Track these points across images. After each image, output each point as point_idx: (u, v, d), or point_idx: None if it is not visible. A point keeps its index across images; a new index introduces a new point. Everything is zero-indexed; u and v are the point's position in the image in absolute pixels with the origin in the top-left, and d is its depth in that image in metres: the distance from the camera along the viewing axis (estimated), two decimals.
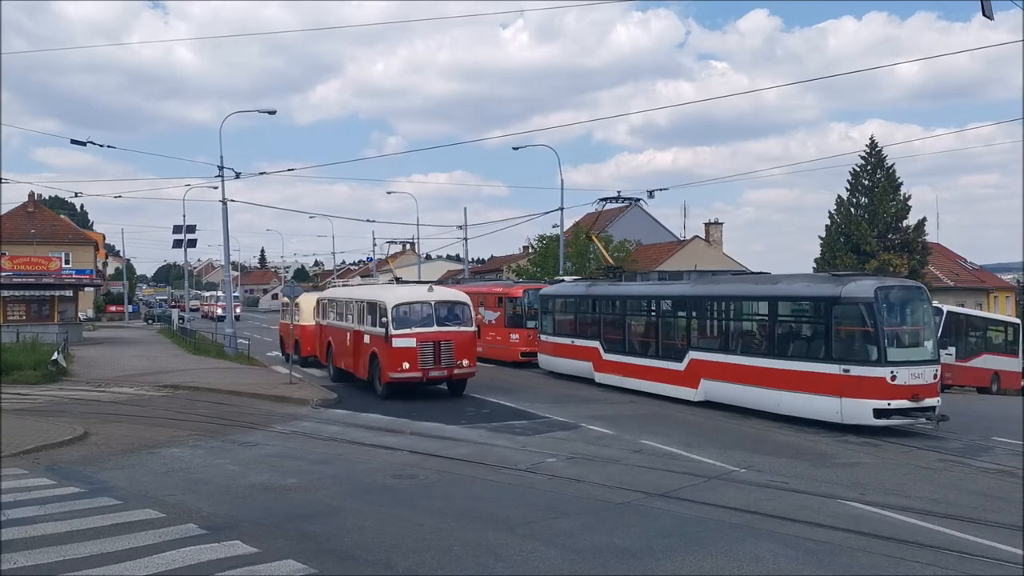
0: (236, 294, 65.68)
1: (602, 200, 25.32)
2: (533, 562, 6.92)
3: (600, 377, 20.93)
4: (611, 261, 28.61)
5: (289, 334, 23.99)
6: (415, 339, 17.38)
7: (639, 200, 29.53)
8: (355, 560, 6.97)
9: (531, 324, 25.60)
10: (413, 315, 17.80)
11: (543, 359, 24.14)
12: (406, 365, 17.32)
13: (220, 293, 70.32)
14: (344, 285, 23.76)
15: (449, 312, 18.13)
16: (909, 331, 14.75)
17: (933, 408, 14.14)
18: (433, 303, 17.89)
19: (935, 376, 14.32)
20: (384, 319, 17.56)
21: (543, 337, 24.07)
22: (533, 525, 8.08)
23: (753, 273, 20.89)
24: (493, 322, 27.57)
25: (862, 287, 14.35)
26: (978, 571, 6.87)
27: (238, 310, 62.03)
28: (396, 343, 17.35)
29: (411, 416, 15.70)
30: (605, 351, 20.83)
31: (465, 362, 17.89)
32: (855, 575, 6.79)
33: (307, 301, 25.38)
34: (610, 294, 21.43)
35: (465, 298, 18.78)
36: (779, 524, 8.17)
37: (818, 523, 8.18)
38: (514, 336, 26.54)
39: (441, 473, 10.64)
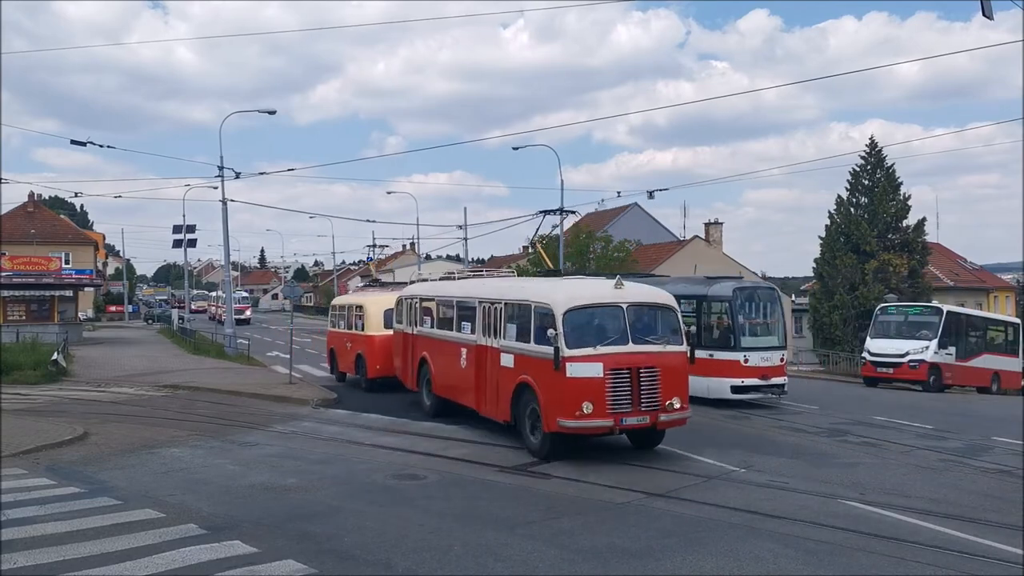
0: (244, 294, 64.67)
1: (543, 212, 27.39)
2: (533, 562, 6.92)
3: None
4: (551, 265, 30.23)
5: (345, 348, 20.83)
6: (602, 364, 10.84)
7: (573, 212, 32.58)
8: (355, 560, 6.97)
9: None
10: (596, 326, 11.41)
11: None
12: (588, 407, 10.68)
13: (243, 292, 67.92)
14: (450, 277, 17.41)
15: (650, 321, 11.73)
16: (760, 324, 18.36)
17: (781, 385, 17.99)
18: (625, 307, 11.37)
19: (782, 360, 18.19)
20: (550, 331, 11.06)
21: None
22: (533, 525, 8.08)
23: (656, 276, 25.14)
24: None
25: (724, 288, 18.16)
26: (978, 571, 6.87)
27: (248, 312, 60.09)
28: (573, 371, 10.83)
29: (411, 417, 15.70)
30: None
31: (676, 402, 11.23)
32: (855, 575, 6.79)
33: (376, 302, 19.89)
34: None
35: (671, 300, 12.16)
36: (779, 524, 8.17)
37: (818, 523, 8.19)
38: None
39: (441, 473, 10.64)
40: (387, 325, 18.60)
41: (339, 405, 17.55)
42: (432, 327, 15.65)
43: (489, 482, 10.22)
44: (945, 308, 27.29)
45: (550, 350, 10.92)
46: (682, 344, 11.61)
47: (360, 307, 20.10)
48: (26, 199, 58.05)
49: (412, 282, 19.26)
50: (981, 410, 20.70)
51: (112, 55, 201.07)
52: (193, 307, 71.00)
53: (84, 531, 7.76)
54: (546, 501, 9.19)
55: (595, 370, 10.85)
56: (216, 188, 32.28)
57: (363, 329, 19.67)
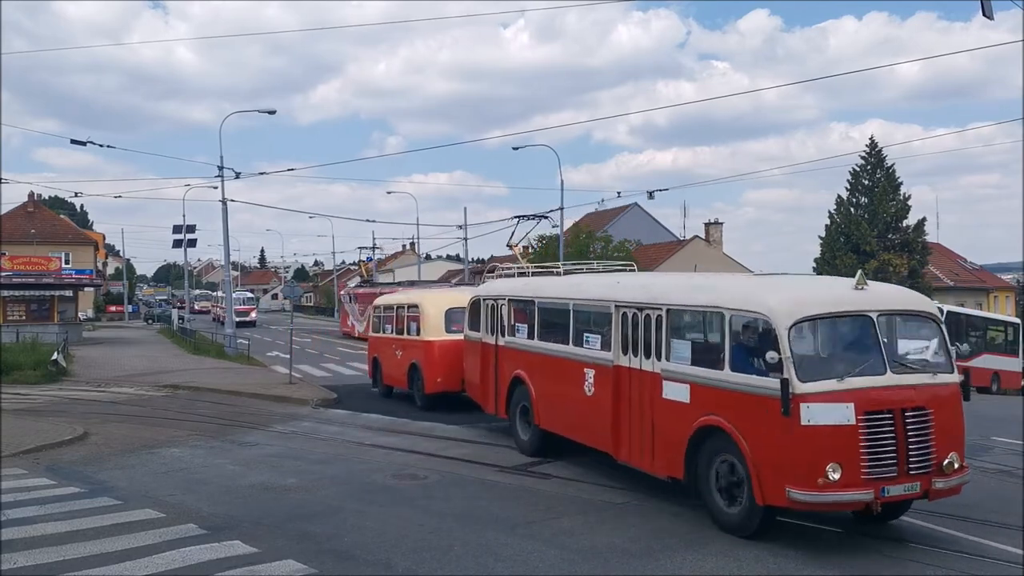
0: (249, 294, 63.65)
1: (518, 217, 28.18)
2: (533, 562, 6.92)
3: None
4: (528, 266, 32.12)
5: (393, 356, 17.67)
6: (853, 406, 7.16)
7: (546, 216, 33.91)
8: (355, 560, 6.97)
9: None
10: (838, 347, 8.02)
11: None
12: (834, 474, 7.05)
13: (248, 293, 65.60)
14: (552, 272, 13.58)
15: (907, 338, 8.33)
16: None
17: None
18: (876, 316, 7.66)
19: None
20: (771, 355, 7.33)
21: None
22: (533, 525, 8.08)
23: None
24: None
25: None
26: (978, 571, 6.87)
27: (253, 313, 57.44)
28: (810, 415, 7.12)
29: (411, 417, 15.70)
30: (529, 339, 25.04)
31: (954, 459, 7.54)
32: (855, 575, 6.79)
33: (435, 301, 16.56)
34: None
35: (930, 305, 8.62)
36: (779, 524, 8.16)
37: (818, 523, 8.18)
38: None
39: (441, 473, 10.64)
40: (449, 329, 15.68)
41: (339, 405, 17.55)
42: (532, 338, 11.69)
43: (489, 482, 10.22)
44: (945, 308, 27.29)
45: (761, 382, 7.41)
46: (952, 371, 7.84)
47: (415, 307, 16.75)
48: (26, 199, 58.13)
49: (489, 277, 15.20)
50: (981, 410, 20.68)
51: (112, 55, 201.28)
52: (196, 307, 70.74)
53: (84, 531, 7.76)
54: (546, 501, 9.19)
55: (844, 414, 7.11)
56: (216, 188, 32.36)
57: (418, 333, 16.35)
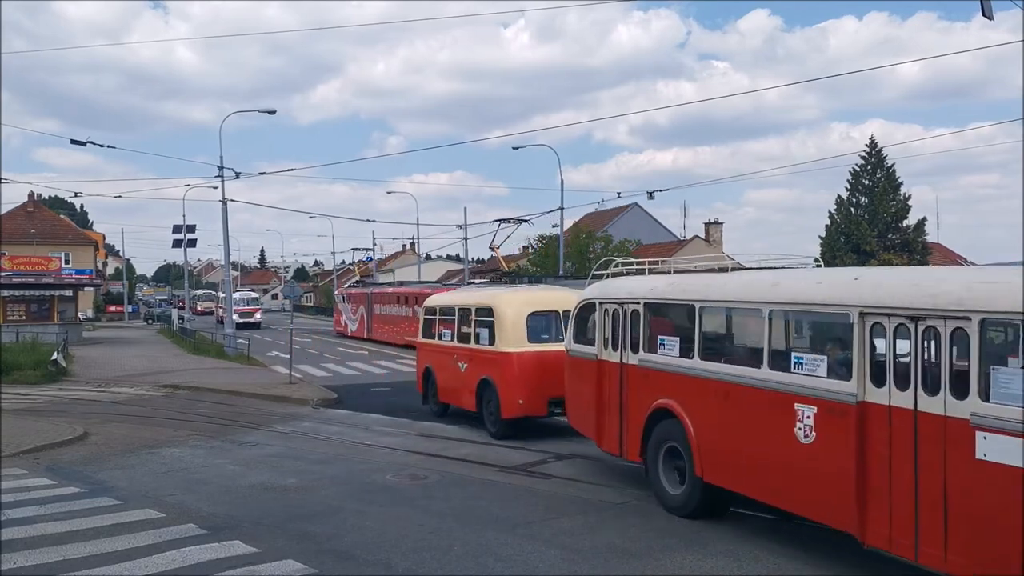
0: (255, 295, 62.56)
1: (499, 221, 28.40)
2: (533, 562, 6.92)
3: None
4: (507, 267, 32.51)
5: (454, 369, 14.56)
6: None
7: (527, 220, 34.09)
8: (355, 560, 6.97)
9: None
10: None
11: None
12: None
13: (253, 294, 63.73)
14: (715, 269, 9.49)
15: None
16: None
17: None
18: None
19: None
20: None
21: None
22: (533, 525, 8.08)
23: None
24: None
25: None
26: None
27: (258, 315, 54.79)
28: None
29: (411, 417, 15.70)
30: None
31: None
32: (856, 575, 6.78)
33: (512, 302, 13.48)
34: None
35: None
36: (779, 524, 8.16)
37: (819, 523, 8.17)
38: None
39: (441, 473, 10.64)
40: (533, 338, 12.97)
41: (339, 405, 17.56)
42: (690, 356, 8.55)
43: (489, 482, 10.22)
44: None
45: None
46: None
47: (488, 310, 13.67)
48: (26, 199, 58.22)
49: (601, 275, 11.42)
50: None
51: (112, 55, 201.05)
52: (199, 308, 70.58)
53: (84, 531, 7.76)
54: (546, 501, 9.19)
55: None
56: (216, 188, 32.34)
57: (492, 343, 13.32)
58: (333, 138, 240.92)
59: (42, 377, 22.25)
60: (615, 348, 9.86)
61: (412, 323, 34.82)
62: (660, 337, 9.12)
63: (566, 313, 12.14)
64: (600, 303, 10.25)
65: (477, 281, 32.71)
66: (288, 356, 23.52)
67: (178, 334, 41.65)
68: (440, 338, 15.41)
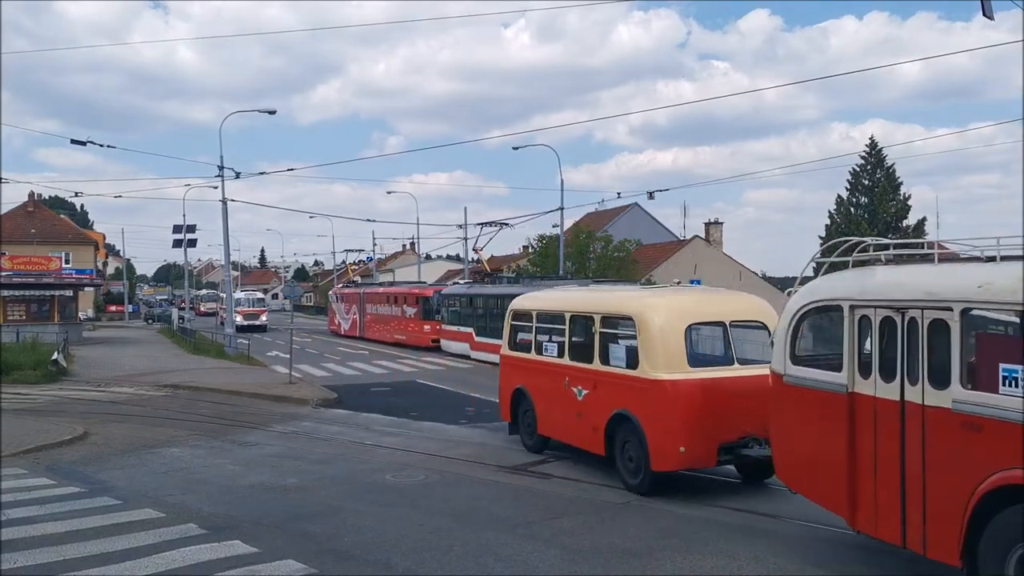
0: (260, 295, 61.46)
1: (480, 224, 33.73)
2: (533, 562, 6.92)
3: (474, 355, 27.61)
4: (488, 268, 34.77)
5: (566, 396, 10.71)
6: None
7: (507, 223, 37.04)
8: (355, 560, 6.97)
9: (438, 317, 32.60)
10: None
11: (443, 343, 31.24)
12: None
13: (258, 294, 61.81)
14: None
15: None
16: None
17: None
18: None
19: None
20: None
21: (443, 326, 31.59)
22: (533, 525, 8.08)
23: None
24: (412, 316, 34.65)
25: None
26: None
27: (263, 316, 51.46)
28: None
29: (411, 417, 15.70)
30: (477, 334, 28.08)
31: None
32: (855, 574, 6.78)
33: (664, 308, 9.75)
34: (478, 293, 29.47)
35: None
36: (779, 524, 8.17)
37: (817, 523, 8.18)
38: (426, 327, 33.39)
39: (441, 473, 10.64)
40: (696, 360, 9.48)
41: (339, 405, 17.56)
42: None
43: (489, 482, 10.23)
44: None
45: None
46: None
47: (626, 319, 9.96)
48: (26, 199, 58.15)
49: (832, 262, 7.64)
50: None
51: (113, 55, 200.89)
52: (202, 308, 70.36)
53: (84, 531, 7.76)
54: (546, 501, 9.20)
55: None
56: (216, 188, 32.31)
57: (633, 365, 9.59)
58: (333, 138, 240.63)
59: (42, 377, 22.24)
60: (889, 377, 6.37)
61: (402, 322, 36.12)
62: (1003, 367, 5.49)
63: (735, 324, 9.59)
64: (855, 306, 6.75)
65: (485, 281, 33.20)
66: (288, 356, 23.51)
67: (178, 334, 41.64)
68: (541, 352, 11.65)
